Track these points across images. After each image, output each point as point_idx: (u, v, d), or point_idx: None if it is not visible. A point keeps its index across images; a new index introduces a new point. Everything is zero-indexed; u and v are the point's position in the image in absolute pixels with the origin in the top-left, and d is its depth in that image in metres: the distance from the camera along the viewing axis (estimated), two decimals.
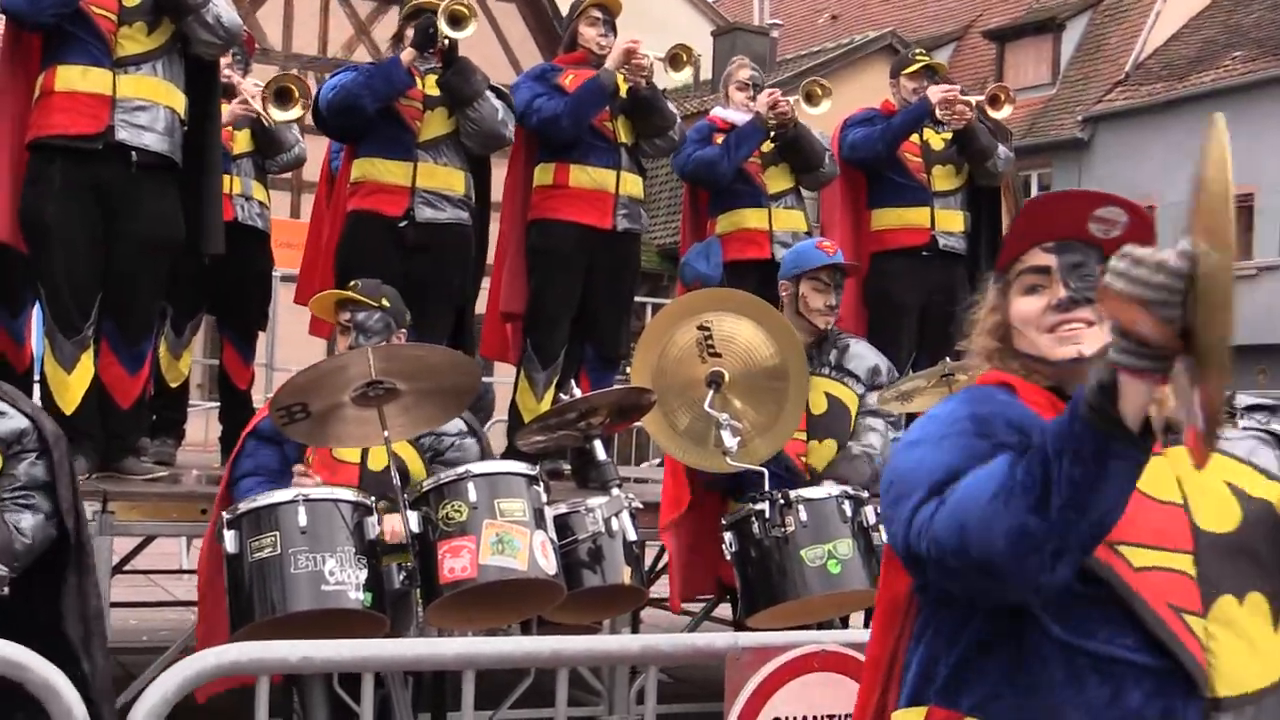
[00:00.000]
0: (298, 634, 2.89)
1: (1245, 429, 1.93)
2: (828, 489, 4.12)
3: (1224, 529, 1.71)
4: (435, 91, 5.24)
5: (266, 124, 5.62)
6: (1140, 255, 1.40)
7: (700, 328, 4.10)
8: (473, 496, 3.49)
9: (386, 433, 3.42)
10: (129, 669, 4.95)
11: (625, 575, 3.92)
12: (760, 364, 4.11)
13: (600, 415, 3.80)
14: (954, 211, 6.24)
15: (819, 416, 4.43)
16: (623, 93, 5.59)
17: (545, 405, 5.36)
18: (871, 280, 6.14)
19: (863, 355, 4.59)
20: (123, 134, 4.53)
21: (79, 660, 3.22)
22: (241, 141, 5.71)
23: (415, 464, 3.92)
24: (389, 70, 5.18)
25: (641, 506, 4.08)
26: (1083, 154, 22.95)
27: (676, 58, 5.66)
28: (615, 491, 3.77)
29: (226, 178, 5.36)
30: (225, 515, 3.49)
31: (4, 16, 4.65)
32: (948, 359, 4.44)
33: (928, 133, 6.24)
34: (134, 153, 4.55)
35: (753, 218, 6.18)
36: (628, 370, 4.90)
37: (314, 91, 5.54)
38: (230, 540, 3.43)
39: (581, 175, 5.56)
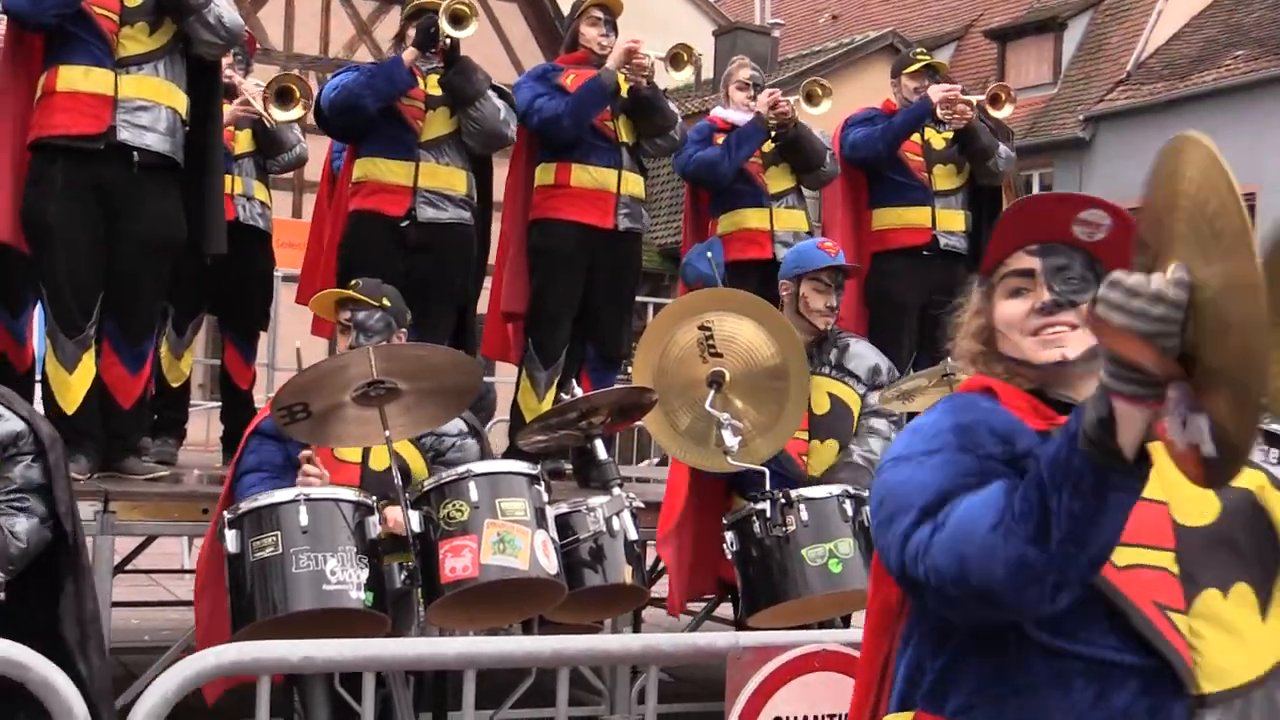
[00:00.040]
0: (299, 634, 2.89)
1: None
2: (828, 488, 4.12)
3: (1203, 522, 1.70)
4: (437, 91, 5.24)
5: (268, 124, 5.63)
6: (1135, 286, 1.37)
7: (701, 327, 4.10)
8: (474, 496, 3.49)
9: (388, 432, 3.42)
10: (130, 669, 4.96)
11: (626, 575, 3.93)
12: (761, 364, 4.12)
13: (601, 415, 3.80)
14: (955, 211, 6.23)
15: (822, 416, 4.43)
16: (624, 92, 5.59)
17: (547, 405, 5.37)
18: (872, 280, 6.14)
19: (863, 355, 4.59)
20: (124, 134, 4.53)
21: (75, 662, 3.21)
22: (243, 142, 5.72)
23: (417, 463, 3.93)
24: (391, 70, 5.18)
25: (643, 506, 4.08)
26: (1084, 153, 22.93)
27: (677, 57, 5.66)
28: (616, 491, 3.78)
29: (228, 178, 5.36)
30: (226, 515, 3.50)
31: (6, 17, 4.66)
32: (949, 358, 4.44)
33: (929, 132, 6.23)
34: (136, 153, 4.55)
35: (754, 218, 6.18)
36: (629, 370, 4.91)
37: (315, 92, 5.55)
38: (231, 540, 3.44)
39: (583, 175, 5.56)
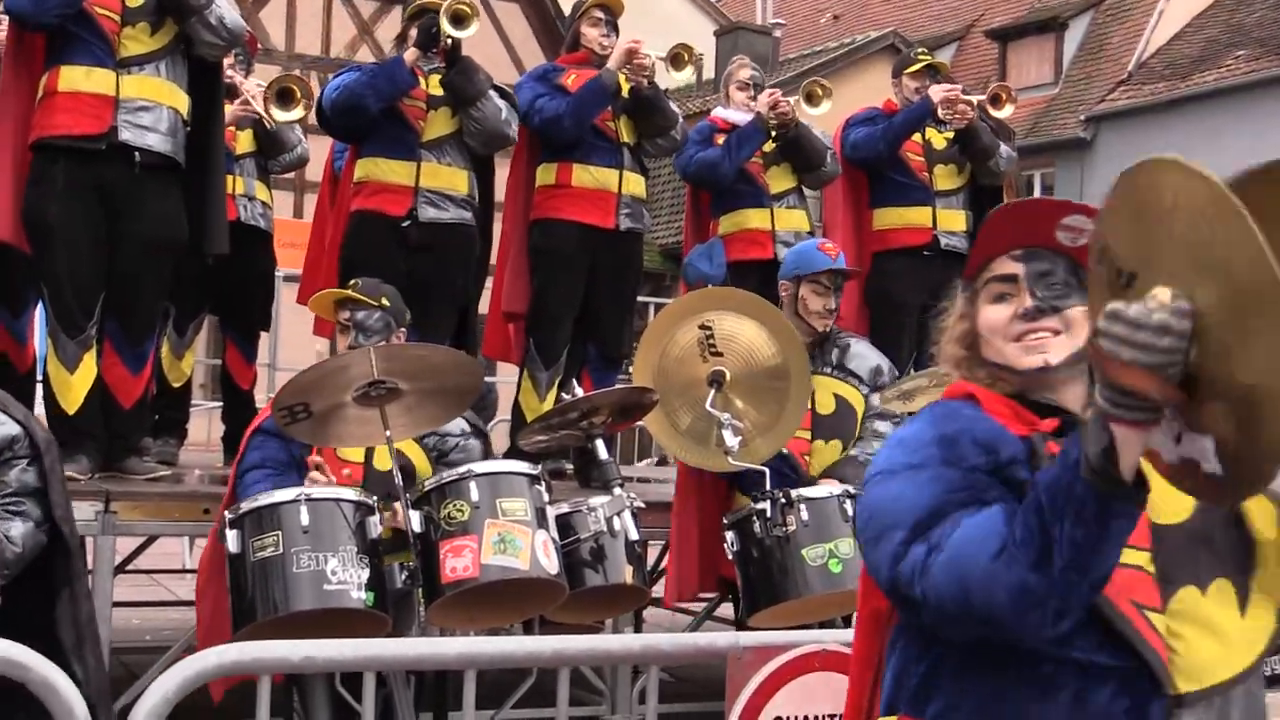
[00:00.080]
0: (300, 633, 2.90)
1: None
2: (829, 488, 4.13)
3: (1178, 519, 1.70)
4: (438, 91, 5.25)
5: (268, 124, 5.63)
6: (1137, 319, 1.35)
7: (702, 327, 4.11)
8: (475, 496, 3.49)
9: (389, 432, 3.42)
10: (131, 669, 4.96)
11: (627, 575, 3.93)
12: (762, 363, 4.12)
13: (602, 415, 3.80)
14: (956, 211, 6.23)
15: (826, 417, 4.43)
16: (625, 92, 5.59)
17: (548, 405, 5.37)
18: (873, 279, 6.13)
19: (864, 355, 4.59)
20: (126, 134, 4.53)
21: (71, 664, 3.21)
22: (244, 142, 5.72)
23: (421, 463, 3.93)
24: (392, 70, 5.18)
25: (643, 506, 4.08)
26: (1085, 153, 22.92)
27: (678, 57, 5.66)
28: (617, 491, 3.78)
29: (229, 178, 5.36)
30: (228, 515, 3.50)
31: (7, 17, 4.66)
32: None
33: (930, 132, 6.23)
34: (137, 153, 4.55)
35: (755, 218, 6.17)
36: (630, 370, 4.91)
37: (316, 92, 5.55)
38: (232, 540, 3.44)
39: (584, 175, 5.56)
